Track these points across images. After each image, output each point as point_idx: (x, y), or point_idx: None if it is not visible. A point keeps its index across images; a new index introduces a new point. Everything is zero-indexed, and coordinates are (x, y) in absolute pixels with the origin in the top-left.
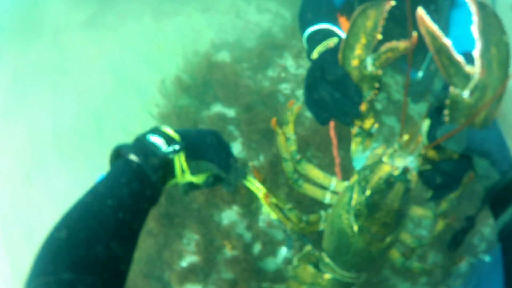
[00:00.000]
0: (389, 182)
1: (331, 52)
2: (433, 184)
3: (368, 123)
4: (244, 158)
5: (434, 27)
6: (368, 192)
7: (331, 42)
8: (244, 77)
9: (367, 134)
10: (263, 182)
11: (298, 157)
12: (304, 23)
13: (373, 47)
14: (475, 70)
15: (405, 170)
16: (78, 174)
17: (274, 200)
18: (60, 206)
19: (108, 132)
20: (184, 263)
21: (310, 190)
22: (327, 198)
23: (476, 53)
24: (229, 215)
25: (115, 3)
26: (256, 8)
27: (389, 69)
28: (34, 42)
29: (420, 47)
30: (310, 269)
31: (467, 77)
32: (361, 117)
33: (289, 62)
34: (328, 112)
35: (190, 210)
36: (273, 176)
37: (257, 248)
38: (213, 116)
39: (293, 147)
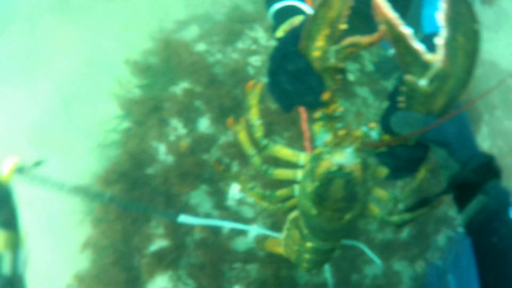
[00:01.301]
0: (328, 177)
1: (294, 35)
2: (388, 167)
3: (331, 109)
4: (212, 134)
5: (392, 15)
6: (315, 183)
7: (296, 20)
8: (213, 51)
9: (330, 118)
10: (222, 173)
11: (264, 142)
12: None
13: (337, 38)
14: (436, 58)
15: (341, 167)
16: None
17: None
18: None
19: (79, 115)
20: (153, 247)
21: (282, 174)
22: (299, 176)
23: (440, 41)
24: (197, 194)
25: None
26: None
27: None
28: (5, 28)
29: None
30: (297, 234)
31: (425, 66)
32: (324, 105)
33: (260, 34)
34: (291, 100)
35: (156, 192)
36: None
37: (225, 228)
38: (180, 92)
39: (259, 133)
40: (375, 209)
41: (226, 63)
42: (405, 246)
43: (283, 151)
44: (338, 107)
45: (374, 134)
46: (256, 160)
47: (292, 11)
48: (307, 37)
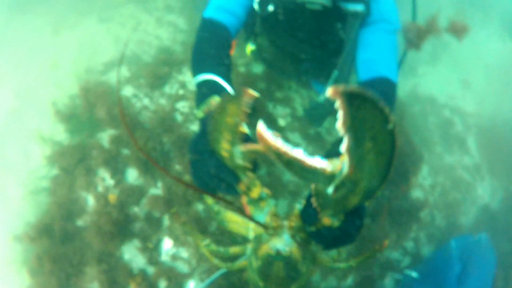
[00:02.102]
0: (268, 260)
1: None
2: (320, 243)
3: (254, 193)
4: (140, 185)
5: (278, 144)
6: (259, 263)
7: (213, 102)
8: (140, 96)
9: (257, 200)
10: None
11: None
12: (194, 66)
13: (240, 139)
14: (340, 167)
15: (278, 252)
16: None
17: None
18: None
19: (9, 158)
20: None
21: (235, 227)
22: (251, 234)
23: (343, 148)
24: (129, 249)
25: (20, 16)
26: (156, 21)
27: (294, 84)
28: None
29: (324, 66)
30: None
31: (328, 177)
32: (245, 193)
33: (187, 77)
34: (213, 190)
35: (87, 247)
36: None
37: (162, 284)
38: (106, 139)
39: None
40: (324, 259)
41: (154, 110)
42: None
43: (233, 219)
44: (261, 189)
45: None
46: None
47: (211, 88)
48: (213, 140)
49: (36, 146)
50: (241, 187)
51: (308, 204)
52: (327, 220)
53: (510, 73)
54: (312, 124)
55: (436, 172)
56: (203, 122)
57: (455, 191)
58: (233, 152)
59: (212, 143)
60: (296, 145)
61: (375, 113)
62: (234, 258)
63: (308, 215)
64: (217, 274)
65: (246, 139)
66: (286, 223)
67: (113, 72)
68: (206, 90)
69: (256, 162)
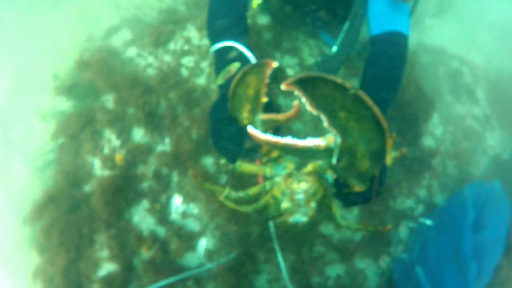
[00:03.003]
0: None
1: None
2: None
3: (275, 153)
4: (147, 143)
5: (268, 137)
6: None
7: (233, 68)
8: (144, 55)
9: (277, 158)
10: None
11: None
12: (211, 32)
13: (260, 108)
14: (331, 140)
15: (295, 224)
16: None
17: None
18: None
19: (13, 131)
20: (102, 272)
21: (249, 168)
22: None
23: (325, 125)
24: (138, 210)
25: None
26: None
27: (301, 34)
28: None
29: (337, 18)
30: None
31: (326, 151)
32: (266, 154)
33: (192, 33)
34: (234, 155)
35: (95, 213)
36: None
37: (173, 244)
38: (111, 101)
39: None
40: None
41: (158, 67)
42: (366, 243)
43: (250, 168)
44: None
45: (329, 177)
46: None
47: (230, 51)
48: (233, 109)
49: (40, 122)
50: (263, 149)
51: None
52: (357, 187)
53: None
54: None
55: (447, 121)
56: (224, 88)
57: (466, 141)
58: (254, 120)
59: (232, 112)
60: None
61: (330, 86)
62: (255, 198)
63: (339, 184)
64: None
65: (267, 106)
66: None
67: (115, 37)
68: (225, 57)
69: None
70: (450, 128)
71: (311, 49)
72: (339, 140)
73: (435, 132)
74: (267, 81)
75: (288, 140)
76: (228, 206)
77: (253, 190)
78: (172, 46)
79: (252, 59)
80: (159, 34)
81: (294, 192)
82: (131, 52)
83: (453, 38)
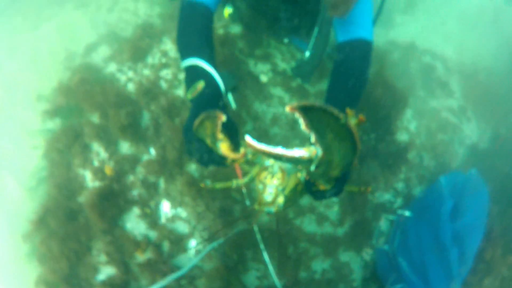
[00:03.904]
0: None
1: (199, 103)
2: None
3: (240, 160)
4: (133, 153)
5: (262, 147)
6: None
7: (199, 86)
8: (124, 70)
9: (247, 159)
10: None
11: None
12: (181, 50)
13: (219, 140)
14: (315, 153)
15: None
16: None
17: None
18: None
19: (2, 149)
20: (101, 277)
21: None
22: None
23: (312, 141)
24: (130, 217)
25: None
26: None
27: (273, 41)
28: None
29: (306, 23)
30: None
31: (308, 161)
32: (231, 165)
33: (168, 46)
34: (206, 163)
35: (91, 221)
36: (167, 169)
37: (166, 246)
38: (96, 116)
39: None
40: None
41: (138, 81)
42: (348, 237)
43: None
44: (245, 155)
45: (302, 177)
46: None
47: (196, 69)
48: (199, 136)
49: (28, 140)
50: (228, 162)
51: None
52: (322, 186)
53: (486, 18)
54: (302, 80)
55: (421, 115)
56: (193, 102)
57: (442, 133)
58: (216, 147)
59: (199, 137)
60: (279, 98)
61: (326, 115)
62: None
63: (309, 183)
64: (214, 244)
65: (227, 125)
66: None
67: (94, 53)
68: (192, 75)
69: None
70: (425, 122)
71: (283, 55)
72: (320, 153)
73: (409, 127)
74: (219, 128)
75: (279, 150)
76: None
77: (255, 170)
78: (150, 60)
79: (215, 75)
80: (136, 49)
81: (266, 186)
82: (111, 68)
83: (425, 32)
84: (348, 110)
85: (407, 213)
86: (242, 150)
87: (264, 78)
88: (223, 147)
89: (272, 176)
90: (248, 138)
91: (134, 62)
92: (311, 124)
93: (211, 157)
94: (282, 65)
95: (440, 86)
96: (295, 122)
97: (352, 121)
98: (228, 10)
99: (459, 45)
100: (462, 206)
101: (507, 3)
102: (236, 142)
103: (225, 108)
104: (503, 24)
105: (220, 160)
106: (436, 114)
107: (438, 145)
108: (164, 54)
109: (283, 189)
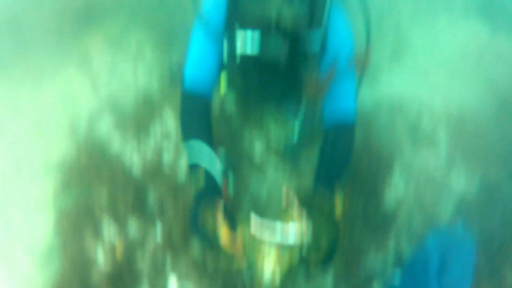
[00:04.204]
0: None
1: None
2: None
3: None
4: (142, 231)
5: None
6: None
7: (200, 181)
8: (128, 151)
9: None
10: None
11: None
12: (183, 132)
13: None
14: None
15: None
16: None
17: None
18: None
19: (8, 216)
20: None
21: None
22: None
23: (302, 222)
24: None
25: None
26: (132, 67)
27: (266, 117)
28: None
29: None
30: None
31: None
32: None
33: (169, 126)
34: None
35: None
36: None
37: None
38: (107, 195)
39: None
40: None
41: (143, 165)
42: None
43: None
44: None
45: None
46: None
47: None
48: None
49: (38, 213)
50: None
51: None
52: (314, 262)
53: (470, 60)
54: (291, 162)
55: (409, 172)
56: (195, 196)
57: (430, 186)
58: (217, 237)
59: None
60: (273, 174)
61: (315, 201)
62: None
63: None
64: None
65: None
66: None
67: (98, 127)
68: (194, 169)
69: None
70: (413, 178)
71: (275, 132)
72: (309, 233)
73: (397, 185)
74: (219, 220)
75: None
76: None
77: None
78: (152, 143)
79: (214, 171)
80: (139, 126)
81: (264, 267)
82: (116, 142)
83: (410, 86)
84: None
85: (396, 281)
86: (238, 242)
87: (258, 157)
88: (223, 238)
89: (269, 256)
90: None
91: (138, 141)
92: (302, 206)
93: (213, 244)
94: (275, 143)
95: (427, 140)
96: (288, 198)
97: (338, 205)
98: (223, 90)
99: (444, 94)
100: (448, 262)
101: (492, 35)
102: (233, 223)
103: (221, 197)
104: (487, 64)
105: (220, 247)
106: (424, 168)
107: (426, 199)
108: (166, 135)
109: (280, 269)
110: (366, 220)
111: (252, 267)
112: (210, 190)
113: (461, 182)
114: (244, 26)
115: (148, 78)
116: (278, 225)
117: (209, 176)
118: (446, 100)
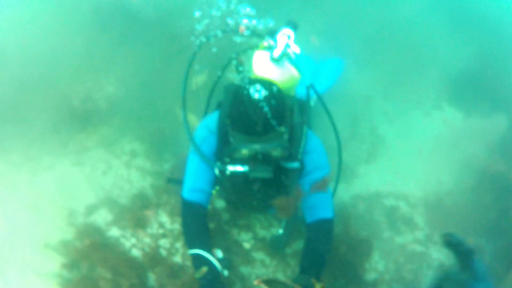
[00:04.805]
0: None
1: (204, 282)
2: None
3: None
4: None
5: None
6: None
7: (203, 270)
8: (127, 236)
9: None
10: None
11: None
12: (186, 242)
13: None
14: None
15: None
16: None
17: None
18: None
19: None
20: None
21: None
22: None
23: None
24: None
25: None
26: (125, 165)
27: (252, 212)
28: None
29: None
30: None
31: None
32: None
33: (164, 218)
34: None
35: None
36: None
37: None
38: (109, 276)
39: None
40: None
41: (141, 247)
42: None
43: None
44: None
45: None
46: None
47: (199, 260)
48: None
49: (42, 284)
50: None
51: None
52: None
53: (446, 146)
54: (276, 250)
55: (388, 254)
56: (200, 282)
57: (410, 263)
58: None
59: None
60: (261, 261)
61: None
62: None
63: None
64: None
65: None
66: None
67: (96, 216)
68: (197, 262)
69: None
70: (392, 259)
71: (261, 224)
72: None
73: (377, 267)
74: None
75: None
76: None
77: None
78: (149, 230)
79: (215, 261)
80: (136, 219)
81: None
82: (115, 233)
83: (387, 177)
84: (314, 280)
85: None
86: None
87: (247, 246)
88: None
89: None
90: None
91: (135, 231)
92: None
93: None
94: (262, 233)
95: (405, 223)
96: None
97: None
98: (216, 188)
99: (420, 179)
100: None
101: (465, 119)
102: None
103: (223, 283)
104: (463, 146)
105: None
106: (403, 249)
107: (406, 275)
108: (161, 225)
109: None
110: None
111: None
112: (212, 278)
113: (441, 253)
114: (233, 161)
115: (141, 184)
116: None
117: (211, 269)
118: (422, 186)
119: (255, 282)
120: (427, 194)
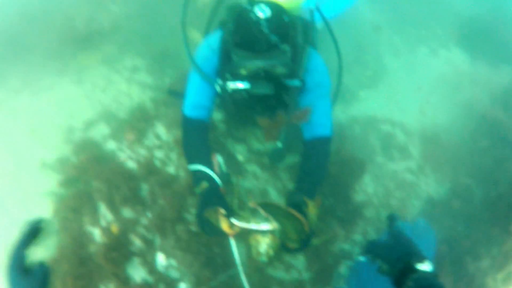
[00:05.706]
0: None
1: (205, 197)
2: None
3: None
4: (134, 216)
5: (244, 225)
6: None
7: (203, 185)
8: (123, 149)
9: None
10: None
11: None
12: (187, 157)
13: (221, 223)
14: (274, 227)
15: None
16: None
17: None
18: None
19: (9, 213)
20: None
21: None
22: None
23: (271, 221)
24: (132, 265)
25: None
26: (126, 80)
27: (250, 125)
28: None
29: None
30: None
31: (272, 231)
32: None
33: (160, 130)
34: (211, 234)
35: (100, 267)
36: (161, 227)
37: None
38: (104, 185)
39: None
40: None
41: (136, 159)
42: (313, 281)
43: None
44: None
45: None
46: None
47: (200, 175)
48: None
49: (39, 203)
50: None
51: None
52: (292, 246)
53: (449, 88)
54: (275, 163)
55: (379, 179)
56: (200, 197)
57: (399, 191)
58: (219, 225)
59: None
60: (253, 173)
61: (279, 208)
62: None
63: (283, 244)
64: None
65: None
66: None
67: (94, 130)
68: (197, 176)
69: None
70: (382, 184)
71: (257, 137)
72: (278, 227)
73: (366, 190)
74: (222, 217)
75: (253, 226)
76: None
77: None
78: (145, 141)
79: (214, 176)
80: (133, 130)
81: (260, 243)
82: (111, 145)
83: (387, 104)
84: (305, 198)
85: (362, 259)
86: (235, 226)
87: (240, 157)
88: (224, 226)
89: (264, 236)
90: (235, 222)
91: (131, 142)
92: (269, 212)
93: (215, 231)
94: (256, 145)
95: (399, 151)
96: (265, 194)
97: (310, 205)
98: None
99: (419, 111)
100: None
101: (471, 64)
102: (229, 211)
103: (223, 197)
104: (465, 90)
105: (221, 233)
106: (394, 175)
107: (394, 202)
108: (157, 137)
109: (272, 246)
110: (335, 215)
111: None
112: (212, 193)
113: (430, 185)
114: (235, 78)
115: (141, 97)
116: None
117: (211, 183)
118: (419, 119)
119: (251, 204)
120: (424, 128)
